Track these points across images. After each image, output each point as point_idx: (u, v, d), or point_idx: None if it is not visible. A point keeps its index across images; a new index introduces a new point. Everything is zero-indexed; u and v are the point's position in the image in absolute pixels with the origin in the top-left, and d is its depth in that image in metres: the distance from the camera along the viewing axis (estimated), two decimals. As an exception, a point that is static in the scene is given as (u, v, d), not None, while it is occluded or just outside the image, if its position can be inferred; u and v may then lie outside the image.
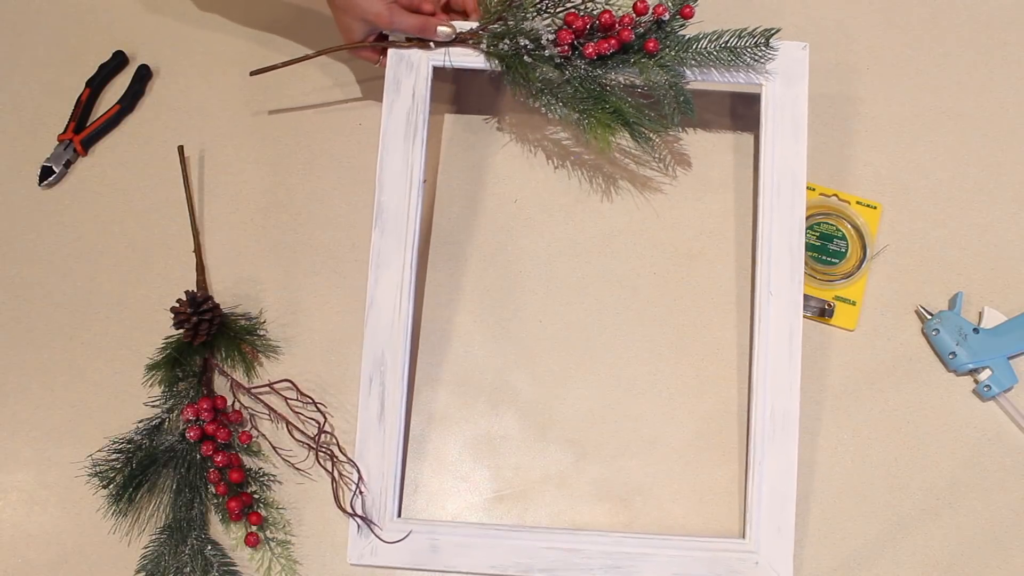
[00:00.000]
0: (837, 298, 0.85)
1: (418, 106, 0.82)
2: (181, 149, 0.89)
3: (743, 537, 0.77)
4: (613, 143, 0.83)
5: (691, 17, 0.81)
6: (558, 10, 0.82)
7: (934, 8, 0.96)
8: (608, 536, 0.77)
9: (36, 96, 0.93)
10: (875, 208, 0.88)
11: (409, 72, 0.82)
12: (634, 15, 0.81)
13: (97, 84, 0.92)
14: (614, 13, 0.81)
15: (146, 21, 0.95)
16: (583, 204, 0.89)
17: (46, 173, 0.89)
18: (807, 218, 0.87)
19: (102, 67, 0.93)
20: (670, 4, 0.81)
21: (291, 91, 0.92)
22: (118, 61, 0.93)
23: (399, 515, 0.78)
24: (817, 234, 0.87)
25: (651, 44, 0.81)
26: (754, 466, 0.77)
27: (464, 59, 0.83)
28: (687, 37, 0.82)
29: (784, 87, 0.82)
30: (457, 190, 0.89)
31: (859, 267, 0.86)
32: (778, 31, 0.81)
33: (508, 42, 0.81)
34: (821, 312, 0.84)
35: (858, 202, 0.88)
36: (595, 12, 0.81)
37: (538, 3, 0.82)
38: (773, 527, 0.76)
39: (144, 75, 0.92)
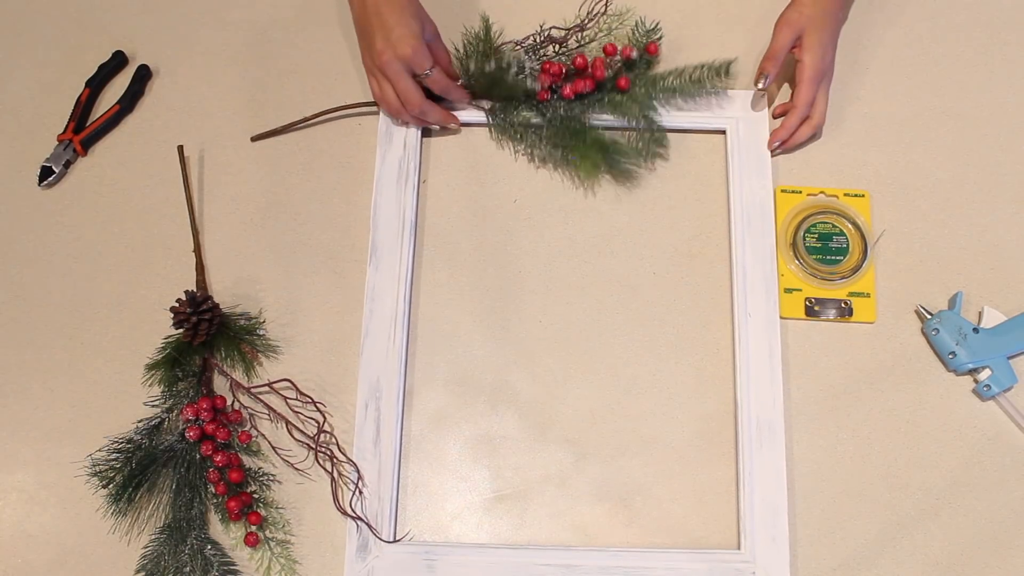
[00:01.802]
0: (851, 294, 0.85)
1: (409, 154, 0.88)
2: (181, 149, 0.89)
3: (739, 548, 0.78)
4: (598, 175, 0.89)
5: (656, 53, 0.90)
6: (535, 62, 0.88)
7: (934, 8, 0.96)
8: (604, 551, 0.77)
9: (36, 96, 0.93)
10: (863, 196, 0.88)
11: (400, 126, 0.89)
12: (604, 56, 0.89)
13: (97, 84, 0.92)
14: (587, 56, 0.88)
15: (146, 21, 0.96)
16: (583, 204, 0.89)
17: (46, 173, 0.89)
18: (802, 221, 0.87)
19: (102, 67, 0.93)
20: (636, 43, 0.90)
21: (291, 91, 0.92)
22: (118, 61, 0.93)
23: (395, 538, 0.78)
24: (816, 235, 0.87)
25: (623, 81, 0.88)
26: (744, 478, 0.79)
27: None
28: (655, 74, 0.90)
29: (747, 129, 0.89)
30: (457, 190, 0.89)
31: (864, 259, 0.86)
32: (735, 60, 0.90)
33: (493, 64, 0.86)
34: (840, 312, 0.84)
35: (845, 194, 0.88)
36: (567, 59, 0.89)
37: (517, 49, 0.89)
38: (768, 537, 0.77)
39: (144, 75, 0.93)
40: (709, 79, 0.89)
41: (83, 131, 0.90)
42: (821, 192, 0.88)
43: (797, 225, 0.87)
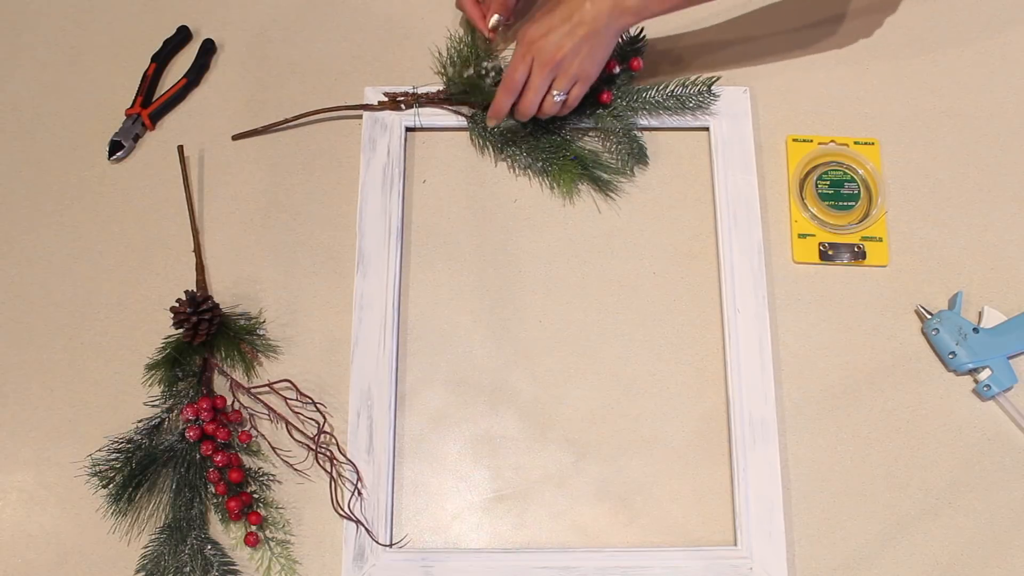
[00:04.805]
0: (864, 238, 0.86)
1: (393, 161, 0.88)
2: (181, 149, 0.89)
3: (736, 544, 0.78)
4: (575, 188, 0.88)
5: (639, 69, 0.88)
6: None
7: (934, 8, 0.96)
8: (602, 551, 0.77)
9: (36, 97, 0.93)
10: (873, 144, 0.89)
11: (384, 133, 0.89)
12: None
13: (162, 59, 0.93)
14: None
15: (148, 20, 0.95)
16: (583, 204, 0.89)
17: (115, 148, 0.89)
18: (814, 168, 0.88)
19: (167, 42, 0.94)
20: (619, 58, 0.88)
21: (292, 91, 0.92)
22: (182, 36, 0.94)
23: (391, 543, 0.78)
24: (828, 182, 0.88)
25: (605, 96, 0.87)
26: (739, 475, 0.79)
27: (434, 119, 0.89)
28: (637, 88, 0.89)
29: (730, 126, 0.89)
30: (457, 190, 0.89)
31: (876, 204, 0.87)
32: (718, 78, 0.89)
33: (473, 71, 0.86)
34: (854, 256, 0.86)
35: (856, 142, 0.89)
36: None
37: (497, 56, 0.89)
38: (764, 533, 0.77)
39: (209, 49, 0.93)
40: (692, 96, 0.88)
41: (151, 105, 0.90)
42: (832, 141, 0.89)
43: (807, 173, 0.88)
